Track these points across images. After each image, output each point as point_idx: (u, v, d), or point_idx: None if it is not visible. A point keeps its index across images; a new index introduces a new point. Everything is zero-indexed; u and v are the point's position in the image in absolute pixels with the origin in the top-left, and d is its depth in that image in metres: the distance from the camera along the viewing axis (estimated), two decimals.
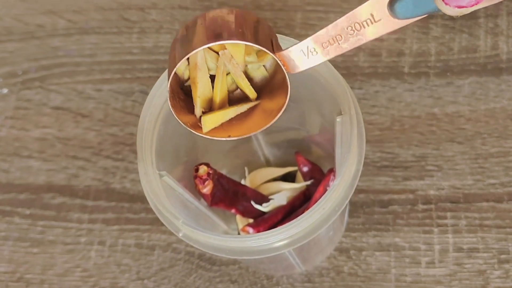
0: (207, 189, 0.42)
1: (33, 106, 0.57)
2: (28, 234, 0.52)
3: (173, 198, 0.38)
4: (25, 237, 0.52)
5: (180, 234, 0.35)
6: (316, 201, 0.45)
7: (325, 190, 0.45)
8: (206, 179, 0.42)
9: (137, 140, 0.36)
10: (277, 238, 0.34)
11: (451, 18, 0.55)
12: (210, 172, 0.42)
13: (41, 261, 0.51)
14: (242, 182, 0.49)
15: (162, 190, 0.36)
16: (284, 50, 0.33)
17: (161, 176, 0.37)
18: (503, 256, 0.47)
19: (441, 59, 0.53)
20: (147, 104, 0.38)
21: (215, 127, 0.35)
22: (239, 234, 0.48)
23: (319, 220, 0.34)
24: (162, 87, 0.38)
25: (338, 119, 0.37)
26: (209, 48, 0.34)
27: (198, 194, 0.43)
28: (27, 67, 0.59)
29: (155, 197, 0.35)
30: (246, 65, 0.35)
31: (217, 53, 0.34)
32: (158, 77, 0.39)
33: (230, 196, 0.45)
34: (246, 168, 0.50)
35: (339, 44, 0.31)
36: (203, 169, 0.42)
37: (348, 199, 0.35)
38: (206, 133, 0.35)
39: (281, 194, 0.48)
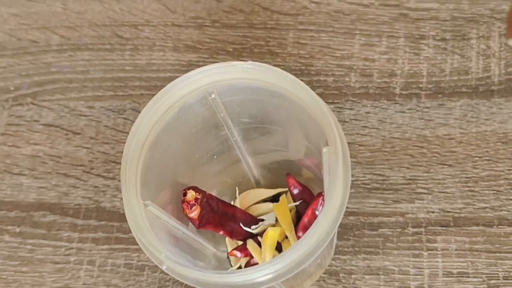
0: (194, 213, 0.42)
1: (25, 123, 0.57)
2: (17, 253, 0.52)
3: (158, 226, 0.38)
4: (14, 255, 0.52)
5: (164, 267, 0.35)
6: (304, 225, 0.45)
7: (314, 214, 0.45)
8: (194, 204, 0.42)
9: (121, 171, 0.36)
10: (261, 274, 0.34)
11: (443, 39, 0.55)
12: (198, 197, 0.42)
13: (30, 280, 0.51)
14: (232, 203, 0.49)
15: (146, 220, 0.36)
16: None
17: (146, 206, 0.37)
18: (492, 282, 0.47)
19: (432, 80, 0.53)
20: (132, 133, 0.37)
21: None
22: (228, 256, 0.48)
23: (304, 254, 0.34)
24: (149, 115, 0.38)
25: (324, 150, 0.37)
26: None
27: (185, 217, 0.42)
28: (19, 83, 0.58)
29: (138, 230, 0.35)
30: None
31: None
32: (150, 95, 0.39)
33: (218, 217, 0.45)
34: (237, 188, 0.50)
35: None
36: (191, 194, 0.42)
37: (333, 234, 0.35)
38: None
39: (271, 215, 0.48)
